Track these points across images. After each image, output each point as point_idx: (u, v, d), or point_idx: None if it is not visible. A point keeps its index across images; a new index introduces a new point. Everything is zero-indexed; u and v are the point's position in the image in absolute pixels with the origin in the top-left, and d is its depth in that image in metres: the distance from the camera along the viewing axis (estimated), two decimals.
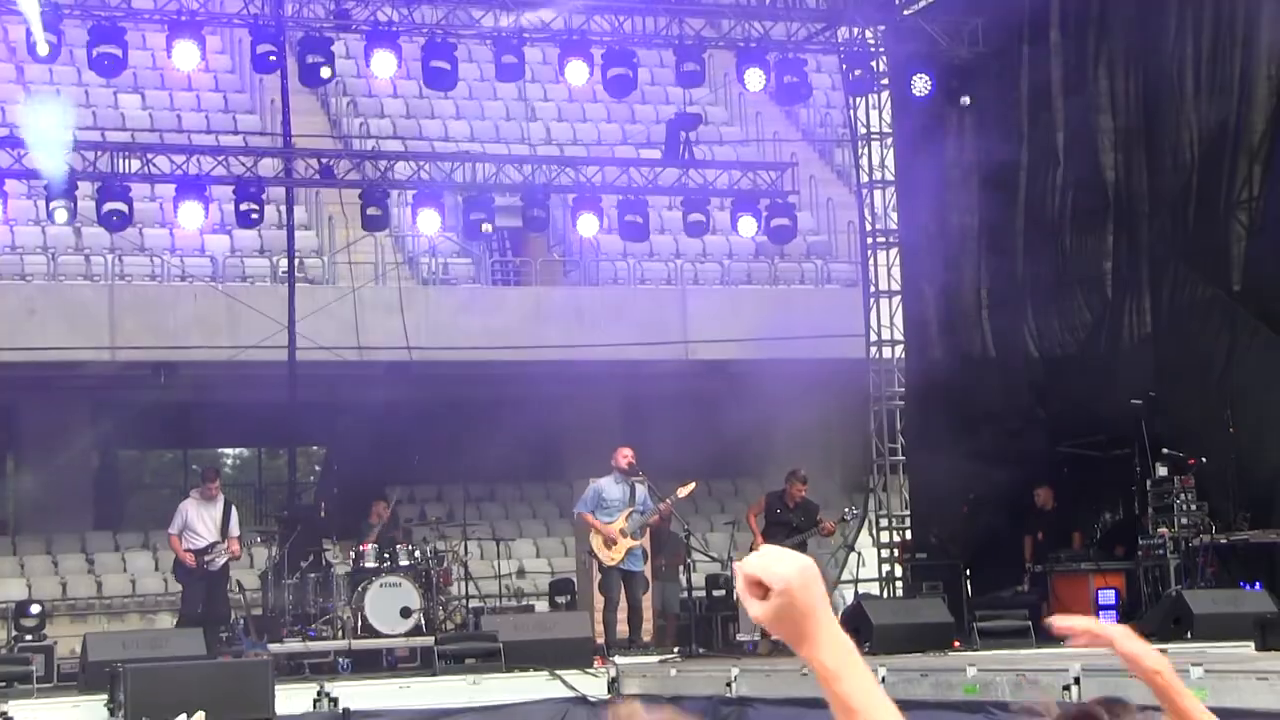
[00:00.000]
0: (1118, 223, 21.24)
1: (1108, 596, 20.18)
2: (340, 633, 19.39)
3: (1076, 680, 12.30)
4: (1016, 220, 22.35)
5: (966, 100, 22.64)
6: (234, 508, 20.00)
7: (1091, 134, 21.36)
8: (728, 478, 28.76)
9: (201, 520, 19.58)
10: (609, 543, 19.21)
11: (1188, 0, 20.26)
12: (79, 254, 27.36)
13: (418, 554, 20.18)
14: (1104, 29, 21.22)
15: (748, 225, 24.25)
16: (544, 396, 28.56)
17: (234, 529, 19.70)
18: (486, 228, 23.59)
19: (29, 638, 20.82)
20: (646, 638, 20.13)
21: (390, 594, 19.48)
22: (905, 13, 23.44)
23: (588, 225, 24.12)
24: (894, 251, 24.57)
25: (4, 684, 16.20)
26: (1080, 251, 21.58)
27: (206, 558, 19.41)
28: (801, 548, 19.83)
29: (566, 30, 22.39)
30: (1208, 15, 20.06)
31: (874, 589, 24.26)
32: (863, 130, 24.78)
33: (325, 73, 21.88)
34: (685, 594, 21.81)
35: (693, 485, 19.81)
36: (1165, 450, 19.93)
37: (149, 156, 22.69)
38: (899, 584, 23.75)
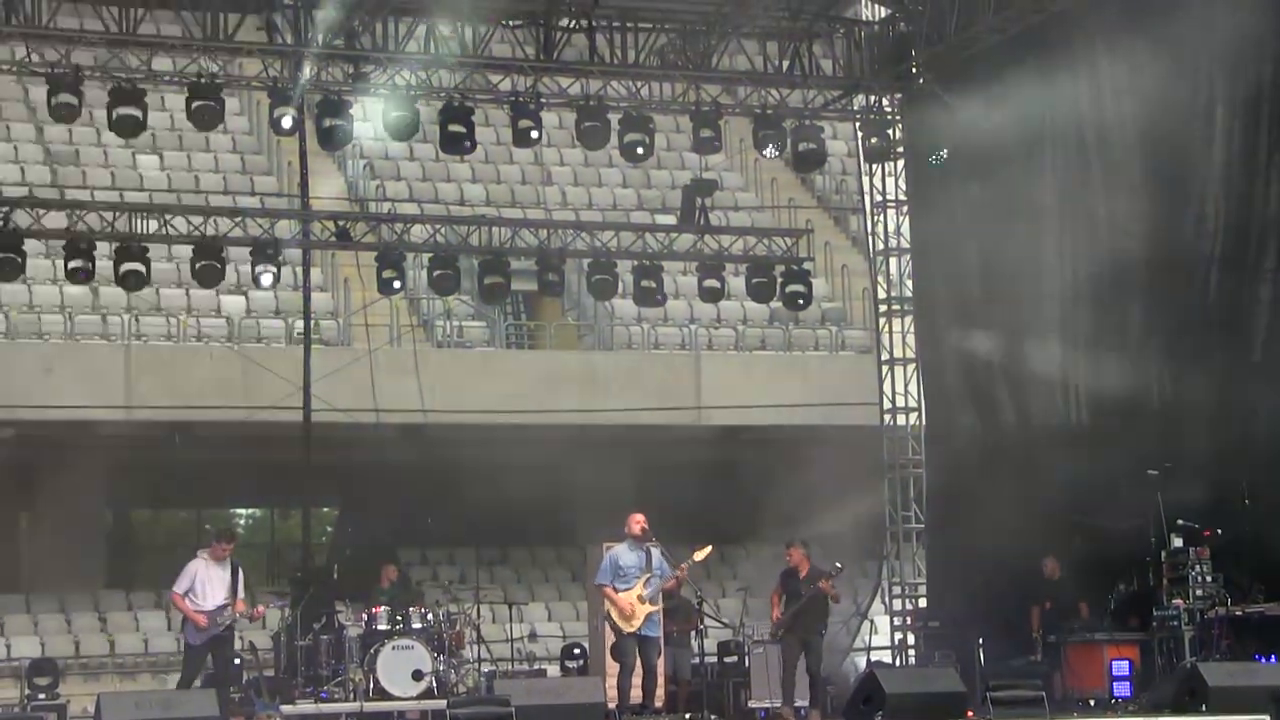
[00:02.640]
0: (1140, 291, 21.20)
1: (1121, 667, 20.09)
2: (352, 695, 19.39)
3: None
4: (1038, 289, 22.32)
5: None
6: (241, 571, 19.88)
7: (1116, 201, 21.33)
8: (740, 543, 28.66)
9: (210, 581, 19.46)
10: (628, 611, 19.18)
11: (1218, 68, 20.26)
12: (96, 314, 27.45)
13: (430, 617, 20.19)
14: (1129, 97, 21.21)
15: (762, 291, 24.30)
16: (557, 460, 28.58)
17: (241, 592, 19.60)
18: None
19: (42, 696, 20.84)
20: (659, 703, 20.07)
21: (402, 656, 19.49)
22: (922, 81, 23.53)
23: (603, 290, 24.17)
24: (909, 319, 24.59)
25: None
26: (1101, 321, 21.55)
27: (217, 619, 19.34)
28: (805, 614, 19.76)
29: (584, 95, 22.50)
30: (1240, 82, 20.06)
31: (886, 657, 24.19)
32: (879, 197, 24.84)
33: (343, 136, 21.97)
34: (697, 660, 21.74)
35: (708, 549, 19.77)
36: (1180, 521, 19.89)
37: (166, 217, 22.79)
38: (912, 652, 23.69)
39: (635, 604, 19.12)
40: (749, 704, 21.61)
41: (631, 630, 19.18)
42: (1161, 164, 20.76)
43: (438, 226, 24.51)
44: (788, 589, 19.98)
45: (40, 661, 23.14)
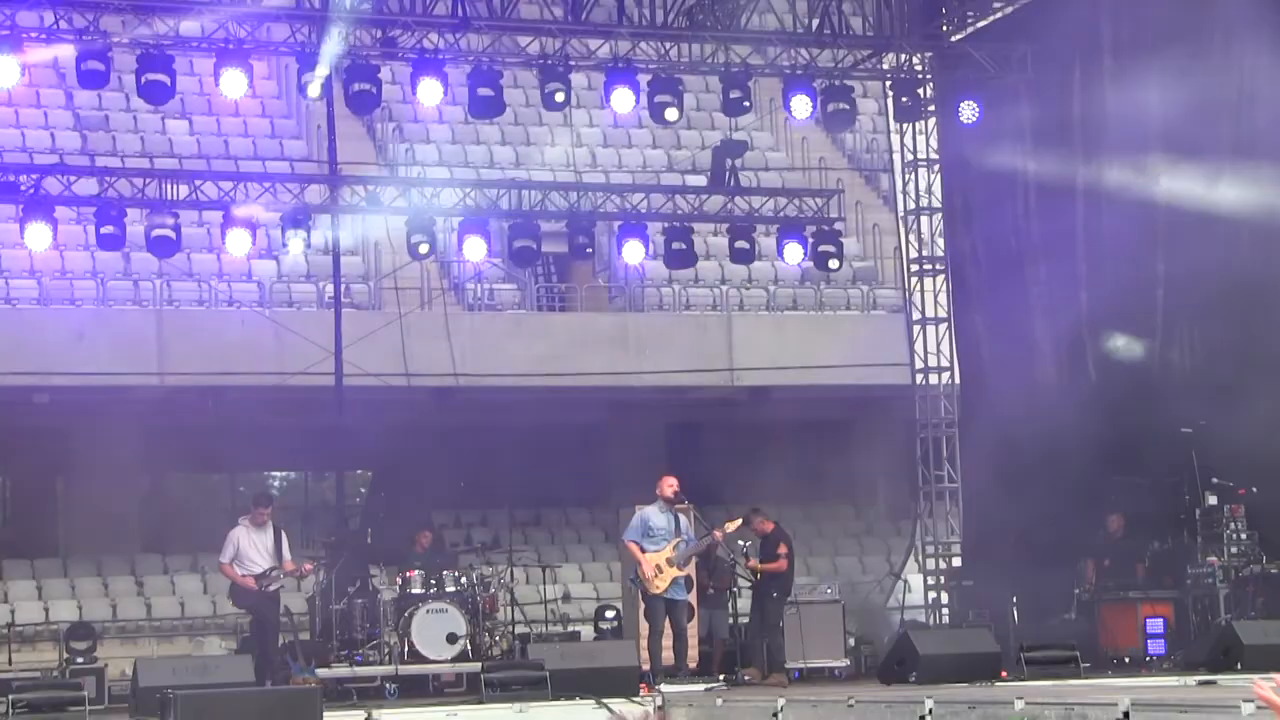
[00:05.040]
0: (1169, 249, 21.10)
1: (1156, 625, 20.11)
2: (387, 658, 19.46)
3: (1126, 715, 12.21)
4: (1073, 246, 22.24)
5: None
6: (284, 533, 20.05)
7: (1144, 162, 21.24)
8: (773, 503, 28.67)
9: (254, 547, 19.65)
10: (655, 572, 19.23)
11: (1234, 27, 20.16)
12: (127, 279, 27.48)
13: (464, 580, 20.24)
14: (1156, 53, 21.09)
15: (793, 252, 24.28)
16: (589, 422, 28.60)
17: (286, 553, 19.79)
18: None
19: (80, 659, 20.99)
20: (692, 665, 20.13)
21: (437, 620, 19.55)
22: (953, 39, 23.43)
23: (633, 252, 24.15)
24: (940, 278, 24.53)
25: (56, 709, 16.25)
26: (1135, 277, 21.46)
27: (264, 582, 19.51)
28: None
29: (613, 58, 22.43)
30: (1265, 40, 19.96)
31: (921, 616, 24.19)
32: (910, 156, 24.76)
33: (371, 100, 21.93)
34: (732, 620, 21.79)
35: (739, 521, 19.88)
36: (1215, 479, 19.85)
37: (197, 183, 22.83)
38: (946, 611, 23.69)
39: (663, 565, 19.18)
40: (785, 665, 21.61)
41: (658, 591, 19.25)
42: (1189, 121, 20.67)
43: (467, 190, 24.48)
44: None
45: (78, 625, 23.32)
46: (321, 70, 20.98)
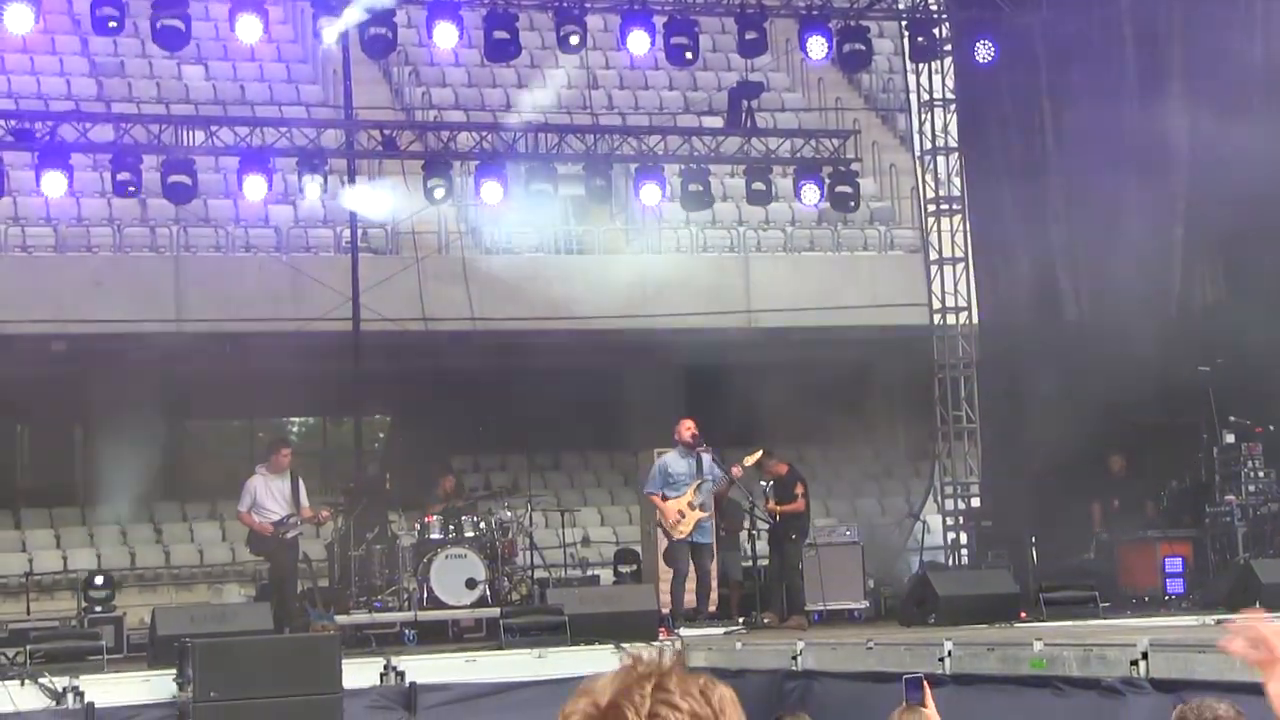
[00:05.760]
0: (1190, 186, 21.00)
1: (1174, 564, 20.10)
2: (406, 604, 19.49)
3: (1145, 655, 12.22)
4: (1092, 184, 22.13)
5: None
6: (300, 479, 20.06)
7: (1163, 99, 21.13)
8: (792, 445, 28.67)
9: (271, 496, 19.67)
10: (678, 517, 19.22)
11: None
12: (144, 226, 27.46)
13: (483, 525, 20.25)
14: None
15: (810, 193, 24.17)
16: (608, 365, 28.57)
17: (304, 500, 19.82)
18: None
19: (99, 608, 21.05)
20: (713, 608, 20.16)
21: (455, 565, 19.57)
22: None
23: (650, 194, 24.08)
24: (958, 218, 24.44)
25: (75, 658, 16.31)
26: (1152, 218, 21.35)
27: (282, 529, 19.55)
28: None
29: None
30: None
31: (940, 556, 24.19)
32: (926, 96, 24.65)
33: (387, 44, 21.86)
34: (749, 562, 21.81)
35: (758, 454, 19.82)
36: (1233, 418, 19.80)
37: (213, 128, 22.77)
38: (965, 552, 23.69)
39: (685, 510, 19.19)
40: (804, 607, 21.63)
41: (682, 536, 19.26)
42: (1209, 62, 20.52)
43: (484, 133, 24.40)
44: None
45: (96, 573, 23.36)
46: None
